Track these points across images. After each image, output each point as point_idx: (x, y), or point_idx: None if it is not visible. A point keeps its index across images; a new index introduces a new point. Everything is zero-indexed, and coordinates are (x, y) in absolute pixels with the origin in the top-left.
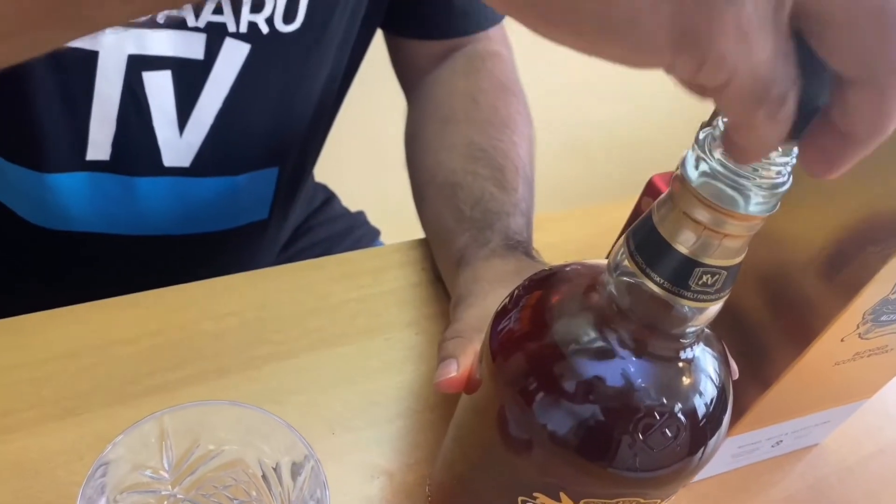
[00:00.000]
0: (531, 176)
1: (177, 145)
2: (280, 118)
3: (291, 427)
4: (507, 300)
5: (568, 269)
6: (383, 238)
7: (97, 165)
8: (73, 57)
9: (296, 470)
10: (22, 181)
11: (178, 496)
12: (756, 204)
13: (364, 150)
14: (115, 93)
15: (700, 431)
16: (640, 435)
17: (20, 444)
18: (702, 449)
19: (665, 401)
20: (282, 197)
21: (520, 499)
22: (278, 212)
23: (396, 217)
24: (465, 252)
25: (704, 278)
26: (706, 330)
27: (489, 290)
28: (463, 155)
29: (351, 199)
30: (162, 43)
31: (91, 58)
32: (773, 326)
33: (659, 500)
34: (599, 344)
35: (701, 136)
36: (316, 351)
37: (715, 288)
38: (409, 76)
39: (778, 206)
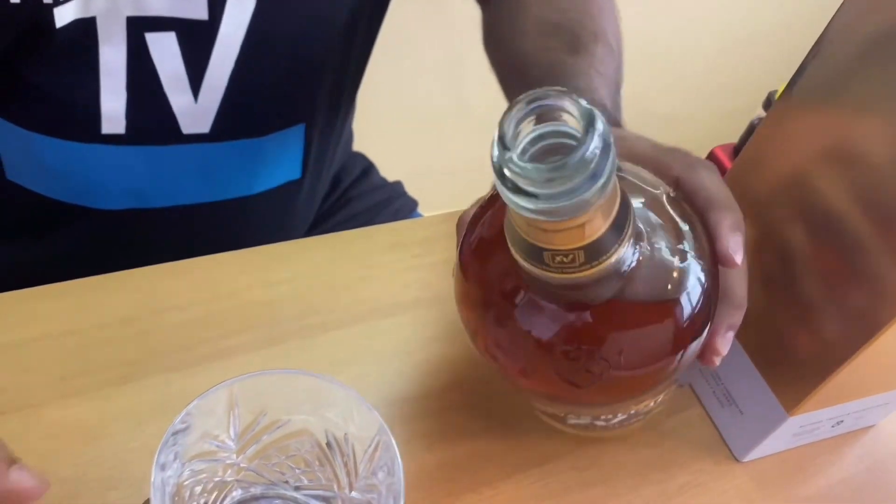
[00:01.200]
0: (615, 44)
1: (193, 111)
2: (298, 72)
3: (361, 398)
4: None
5: None
6: (421, 209)
7: (113, 139)
8: (70, 27)
9: (364, 441)
10: (42, 151)
11: (242, 464)
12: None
13: (400, 118)
14: (120, 58)
15: None
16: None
17: (78, 409)
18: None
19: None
20: (313, 154)
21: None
22: (311, 169)
23: (435, 187)
24: None
25: (558, 258)
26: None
27: None
28: (534, 36)
29: (388, 170)
30: (159, 2)
31: (89, 25)
32: (847, 307)
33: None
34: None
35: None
36: (368, 321)
37: (577, 263)
38: None
39: (591, 200)
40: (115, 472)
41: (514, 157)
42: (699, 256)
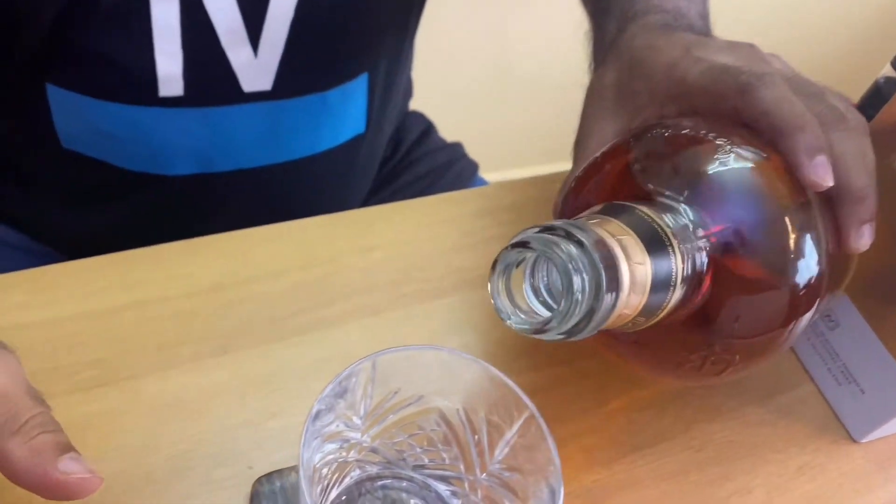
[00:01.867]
0: None
1: (253, 67)
2: (361, 17)
3: (506, 378)
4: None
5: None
6: (482, 172)
7: (172, 102)
8: None
9: (502, 421)
10: (99, 116)
11: (365, 443)
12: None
13: (457, 77)
14: (173, 13)
15: None
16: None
17: (178, 381)
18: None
19: None
20: (376, 105)
21: None
22: (374, 122)
23: (495, 149)
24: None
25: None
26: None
27: (591, 128)
28: None
29: (446, 131)
30: None
31: None
32: None
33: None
34: None
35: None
36: (464, 290)
37: (640, 324)
38: None
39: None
40: (220, 449)
41: (513, 325)
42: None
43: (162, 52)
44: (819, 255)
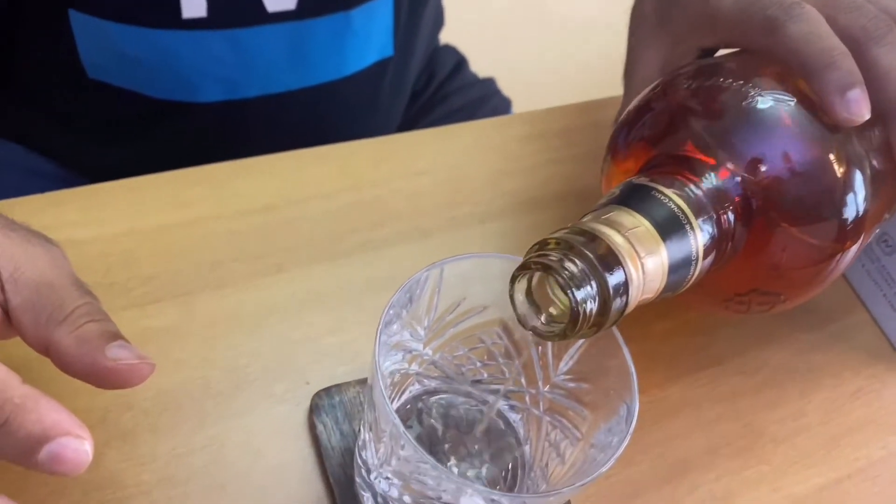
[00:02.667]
0: None
1: None
2: None
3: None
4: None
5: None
6: (515, 109)
7: (196, 24)
8: None
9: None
10: (123, 41)
11: (426, 355)
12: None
13: (489, 11)
14: None
15: None
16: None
17: (233, 298)
18: None
19: None
20: (402, 27)
21: None
22: (402, 47)
23: (527, 84)
24: None
25: None
26: None
27: (636, 56)
28: None
29: (478, 64)
30: None
31: None
32: None
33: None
34: None
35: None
36: (514, 215)
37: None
38: None
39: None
40: (278, 365)
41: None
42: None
43: None
44: (863, 185)
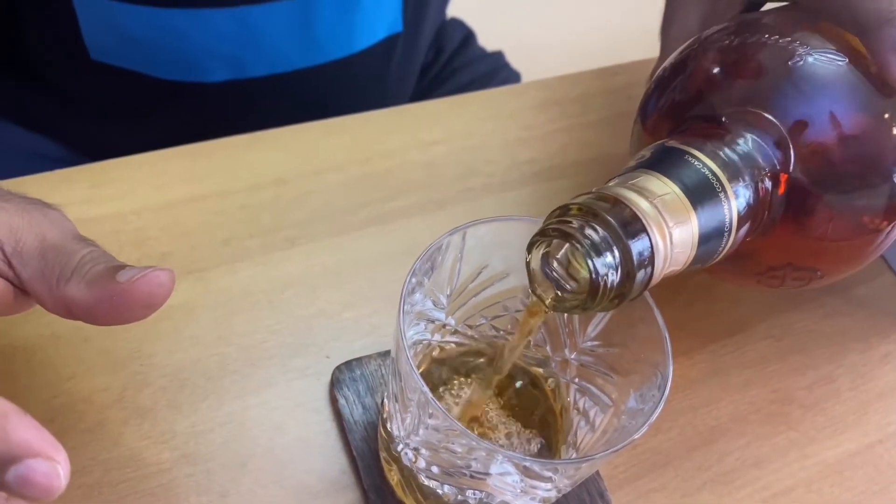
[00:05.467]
0: None
1: None
2: None
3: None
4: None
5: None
6: (525, 82)
7: (202, 2)
8: None
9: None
10: (127, 21)
11: (450, 324)
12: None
13: None
14: None
15: None
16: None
17: (247, 273)
18: None
19: None
20: (412, 2)
21: None
22: (411, 21)
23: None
24: None
25: None
26: None
27: (675, 10)
28: None
29: (486, 38)
30: None
31: None
32: None
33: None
34: None
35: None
36: (531, 183)
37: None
38: None
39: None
40: (295, 340)
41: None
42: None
43: None
44: None
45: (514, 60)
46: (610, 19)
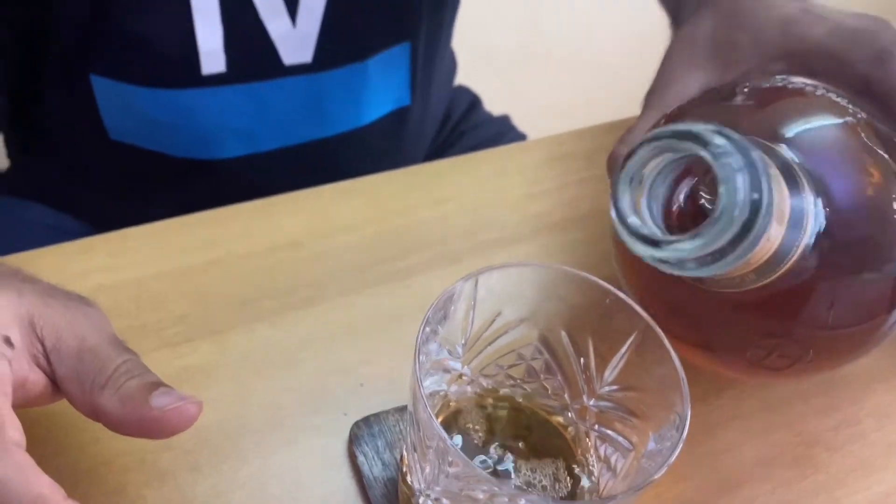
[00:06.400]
0: None
1: (293, 38)
2: None
3: (613, 287)
4: None
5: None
6: None
7: (216, 80)
8: None
9: (611, 337)
10: (144, 104)
11: (465, 375)
12: None
13: (500, 49)
14: None
15: None
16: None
17: (265, 333)
18: None
19: None
20: (420, 76)
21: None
22: (420, 94)
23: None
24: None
25: (726, 281)
26: None
27: (675, 75)
28: None
29: (491, 103)
30: None
31: None
32: None
33: None
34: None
35: None
36: (542, 236)
37: (750, 280)
38: None
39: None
40: (313, 398)
41: (656, 256)
42: None
43: (202, 25)
44: None
45: (521, 123)
46: (614, 83)
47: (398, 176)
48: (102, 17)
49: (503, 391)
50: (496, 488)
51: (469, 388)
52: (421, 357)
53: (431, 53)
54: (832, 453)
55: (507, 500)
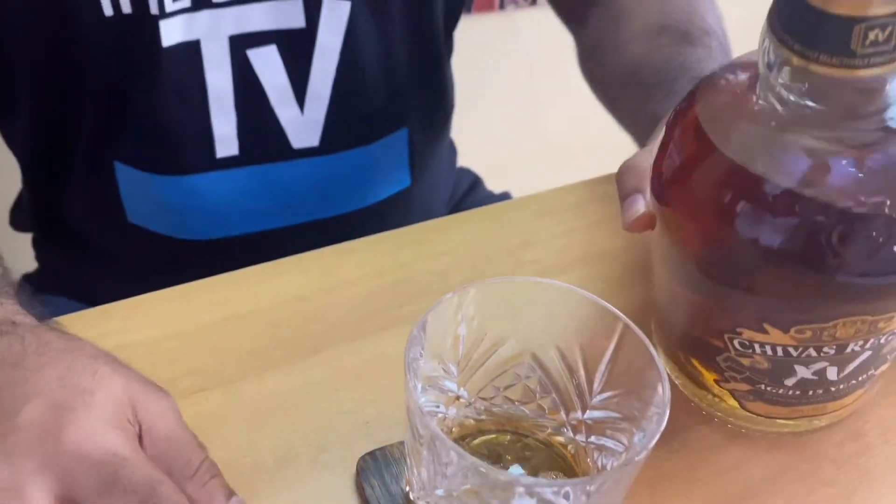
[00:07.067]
0: (724, 40)
1: (301, 124)
2: (399, 73)
3: (592, 294)
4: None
5: (719, 80)
6: None
7: (229, 162)
8: (177, 51)
9: (600, 348)
10: (162, 190)
11: (463, 397)
12: None
13: (501, 130)
14: (226, 80)
15: None
16: (856, 232)
17: (274, 380)
18: None
19: (876, 193)
20: (419, 159)
21: (725, 336)
22: (420, 176)
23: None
24: (655, 111)
25: (872, 35)
26: None
27: None
28: (642, 40)
29: (494, 182)
30: (260, 16)
31: (194, 48)
32: None
33: (884, 323)
34: (788, 150)
35: None
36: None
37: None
38: (572, 10)
39: None
40: (322, 436)
41: None
42: None
43: (217, 113)
44: None
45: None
46: (609, 166)
47: (395, 235)
48: (126, 107)
49: (501, 413)
50: (492, 473)
51: (468, 412)
52: (410, 356)
53: (431, 136)
54: (839, 468)
55: (502, 487)
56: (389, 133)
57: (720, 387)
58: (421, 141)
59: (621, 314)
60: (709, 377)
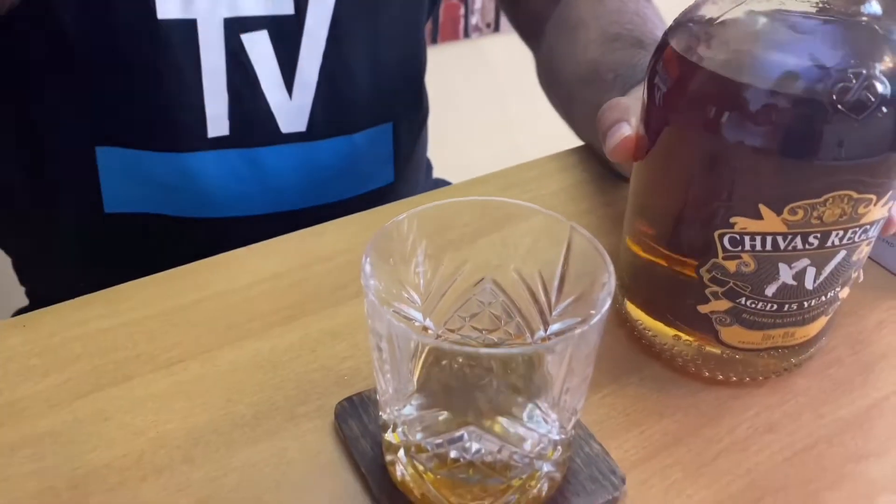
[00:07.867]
0: None
1: (289, 109)
2: (383, 68)
3: (538, 206)
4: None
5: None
6: None
7: (220, 142)
8: (173, 27)
9: (552, 263)
10: (154, 168)
11: (430, 328)
12: None
13: (478, 140)
14: (219, 61)
15: None
16: (840, 103)
17: (251, 347)
18: None
19: (858, 61)
20: (402, 155)
21: (716, 234)
22: (402, 175)
23: None
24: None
25: None
26: None
27: None
28: (598, 45)
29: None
30: (252, 1)
31: (191, 27)
32: None
33: (874, 197)
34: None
35: None
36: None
37: None
38: (530, 26)
39: None
40: (299, 392)
41: None
42: None
43: (210, 92)
44: None
45: None
46: (575, 176)
47: (365, 216)
48: (117, 81)
49: (468, 339)
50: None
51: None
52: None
53: (415, 132)
54: (810, 379)
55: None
56: (375, 125)
57: (699, 311)
58: (405, 138)
59: (566, 220)
60: (687, 308)
